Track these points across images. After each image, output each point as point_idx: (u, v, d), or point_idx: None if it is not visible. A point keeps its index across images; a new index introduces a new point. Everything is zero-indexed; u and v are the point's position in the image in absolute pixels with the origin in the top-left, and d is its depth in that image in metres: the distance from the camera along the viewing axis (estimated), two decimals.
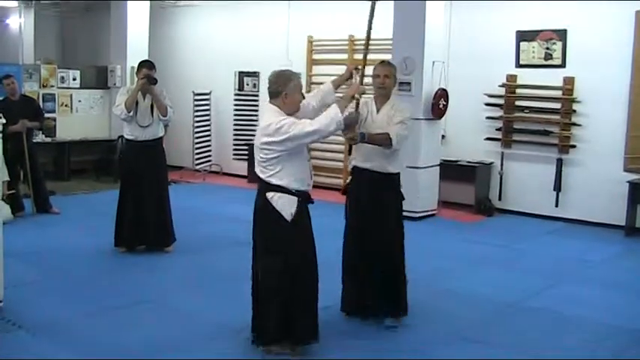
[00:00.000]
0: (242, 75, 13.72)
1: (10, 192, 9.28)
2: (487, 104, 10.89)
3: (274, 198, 5.02)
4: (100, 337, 5.41)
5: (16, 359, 4.97)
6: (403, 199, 6.02)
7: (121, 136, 12.42)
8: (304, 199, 5.11)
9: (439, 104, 10.25)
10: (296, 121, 4.94)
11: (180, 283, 6.94)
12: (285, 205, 5.02)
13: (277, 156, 4.95)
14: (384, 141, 5.67)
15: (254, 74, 13.54)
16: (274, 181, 5.01)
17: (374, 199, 5.77)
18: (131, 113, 7.74)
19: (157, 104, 7.84)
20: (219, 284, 6.84)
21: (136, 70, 8.15)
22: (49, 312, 5.91)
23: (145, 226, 7.89)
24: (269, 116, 5.04)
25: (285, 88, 5.05)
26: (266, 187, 5.04)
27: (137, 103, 7.80)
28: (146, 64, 7.95)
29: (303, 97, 5.36)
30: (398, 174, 5.93)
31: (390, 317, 5.82)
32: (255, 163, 5.14)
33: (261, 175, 5.06)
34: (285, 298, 5.03)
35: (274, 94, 5.10)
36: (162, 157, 8.14)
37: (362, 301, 5.86)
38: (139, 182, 7.89)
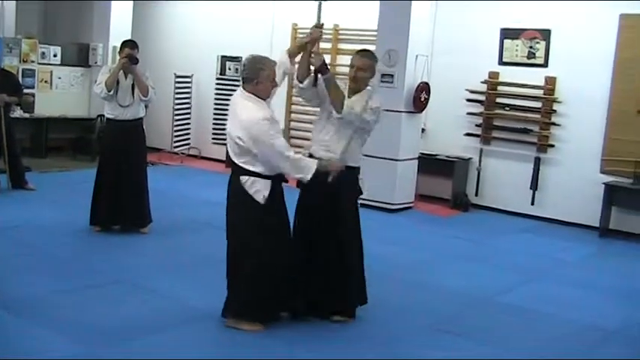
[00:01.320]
0: (224, 59, 13.65)
1: None
2: (468, 100, 10.93)
3: (247, 182, 5.11)
4: (75, 315, 5.37)
5: None
6: (361, 193, 5.89)
7: (101, 115, 12.41)
8: (278, 180, 5.22)
9: (420, 97, 10.27)
10: (277, 134, 5.10)
11: (155, 264, 6.91)
12: (259, 189, 5.11)
13: (252, 151, 5.07)
14: (337, 97, 5.46)
15: (236, 59, 13.46)
16: (248, 167, 5.10)
17: (329, 194, 5.43)
18: (111, 92, 7.70)
19: (138, 84, 7.80)
20: (194, 267, 6.82)
21: (118, 49, 8.10)
22: (22, 289, 5.87)
23: (121, 206, 7.84)
24: (250, 110, 5.13)
25: (257, 77, 5.20)
26: (240, 170, 5.12)
27: (118, 82, 7.75)
28: (129, 44, 7.92)
29: (277, 85, 5.45)
30: (358, 169, 5.80)
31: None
32: (229, 147, 5.24)
33: (235, 160, 5.16)
34: (263, 275, 5.19)
35: (248, 80, 5.26)
36: (141, 137, 8.10)
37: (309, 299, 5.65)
38: (118, 161, 7.84)
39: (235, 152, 5.16)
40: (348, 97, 5.61)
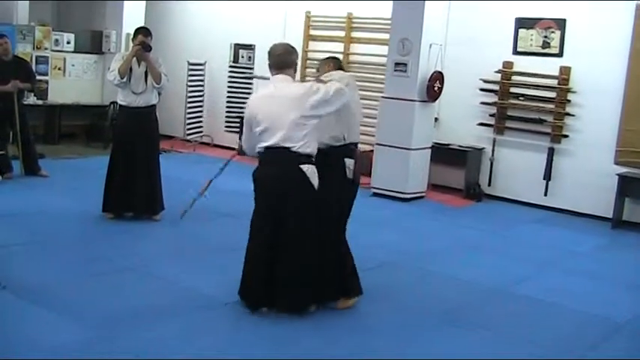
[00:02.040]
0: (237, 47, 13.63)
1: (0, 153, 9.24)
2: (482, 89, 10.87)
3: (309, 170, 5.22)
4: (87, 301, 5.40)
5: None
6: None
7: (113, 103, 12.47)
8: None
9: (434, 87, 10.22)
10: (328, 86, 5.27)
11: (167, 252, 6.92)
12: (315, 175, 5.24)
13: (317, 122, 5.23)
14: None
15: (249, 47, 13.46)
16: (305, 150, 5.19)
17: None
18: (124, 79, 7.71)
19: (151, 72, 7.80)
20: (206, 254, 6.83)
21: (132, 36, 8.10)
22: (34, 274, 5.89)
23: (132, 193, 7.85)
24: (296, 86, 5.30)
25: (297, 61, 5.41)
26: (297, 158, 5.17)
27: (131, 69, 7.76)
28: (142, 31, 7.93)
29: None
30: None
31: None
32: (278, 136, 5.17)
33: (292, 145, 5.15)
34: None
35: (289, 64, 5.36)
36: (154, 124, 8.09)
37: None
38: (130, 148, 7.84)
39: (292, 136, 5.14)
40: None
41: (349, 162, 5.60)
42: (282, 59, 5.32)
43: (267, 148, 5.22)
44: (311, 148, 5.22)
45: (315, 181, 5.22)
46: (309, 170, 5.20)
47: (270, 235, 5.24)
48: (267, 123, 5.19)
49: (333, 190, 5.47)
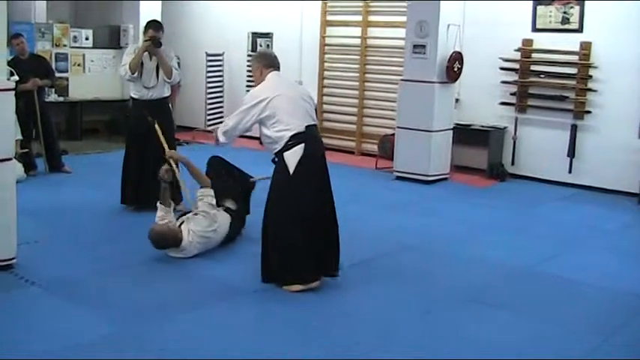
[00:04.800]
0: (255, 36, 13.60)
1: (23, 151, 9.30)
2: (502, 68, 10.79)
3: None
4: (114, 294, 5.46)
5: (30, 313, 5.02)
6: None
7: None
8: None
9: (454, 67, 10.16)
10: None
11: None
12: None
13: None
14: None
15: (267, 35, 13.43)
16: None
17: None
18: (135, 74, 7.76)
19: (163, 66, 7.83)
20: (231, 244, 6.83)
21: (143, 30, 8.10)
22: (61, 269, 5.95)
23: (148, 186, 7.75)
24: None
25: None
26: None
27: (143, 64, 7.80)
28: (152, 25, 7.91)
29: None
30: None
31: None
32: (309, 115, 5.71)
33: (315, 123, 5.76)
34: None
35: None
36: (167, 116, 8.08)
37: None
38: (143, 141, 7.85)
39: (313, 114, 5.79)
40: None
41: None
42: (278, 62, 5.99)
43: (307, 126, 5.57)
44: None
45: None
46: None
47: (320, 210, 5.58)
48: (299, 102, 5.68)
49: None
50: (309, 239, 5.51)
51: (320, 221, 5.58)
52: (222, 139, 5.90)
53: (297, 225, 5.48)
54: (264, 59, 5.98)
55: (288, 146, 5.50)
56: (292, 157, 5.48)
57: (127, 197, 8.01)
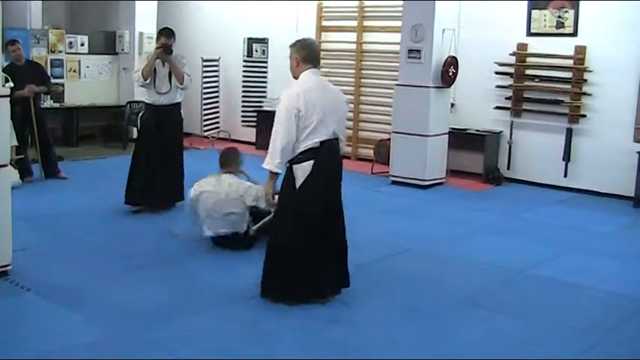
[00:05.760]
0: (251, 41, 13.63)
1: (19, 157, 9.31)
2: (497, 73, 10.81)
3: None
4: (109, 300, 5.45)
5: (25, 321, 5.02)
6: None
7: (130, 102, 12.59)
8: None
9: (449, 72, 10.18)
10: None
11: (189, 247, 6.92)
12: None
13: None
14: None
15: (263, 40, 13.46)
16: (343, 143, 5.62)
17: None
18: (148, 80, 7.99)
19: (175, 72, 8.04)
20: (226, 250, 6.83)
21: (155, 37, 8.40)
22: (57, 275, 5.95)
23: (153, 189, 8.09)
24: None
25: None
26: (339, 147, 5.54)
27: (156, 70, 8.02)
28: (164, 32, 8.15)
29: None
30: None
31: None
32: (336, 126, 5.41)
33: (341, 137, 5.53)
34: None
35: (318, 62, 5.59)
36: (178, 122, 8.40)
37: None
38: (153, 144, 8.12)
39: (342, 130, 5.58)
40: None
41: None
42: (318, 56, 5.57)
43: (322, 142, 5.29)
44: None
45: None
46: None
47: (325, 228, 5.42)
48: (321, 115, 5.27)
49: None
50: (311, 256, 5.35)
51: (325, 239, 5.39)
52: (278, 168, 5.34)
53: (298, 240, 5.36)
54: (302, 50, 5.46)
55: (298, 159, 5.30)
56: (300, 172, 5.30)
57: (133, 197, 8.15)
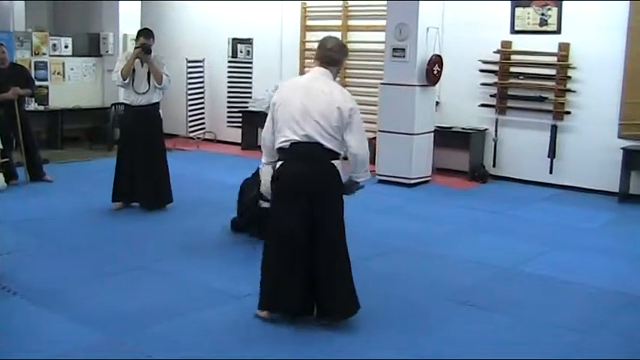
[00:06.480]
0: (235, 42, 13.60)
1: (4, 160, 9.27)
2: (481, 70, 10.85)
3: (339, 166, 5.00)
4: (97, 303, 5.42)
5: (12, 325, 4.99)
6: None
7: (115, 104, 12.54)
8: None
9: (433, 70, 10.20)
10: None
11: (175, 249, 6.91)
12: (341, 171, 5.05)
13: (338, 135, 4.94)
14: None
15: (247, 41, 13.44)
16: (336, 149, 4.95)
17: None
18: (127, 80, 8.05)
19: (153, 72, 8.10)
20: (213, 250, 6.84)
21: (135, 37, 8.45)
22: (44, 278, 5.92)
23: (137, 188, 8.22)
24: (338, 88, 5.07)
25: (343, 60, 5.23)
26: (330, 154, 4.92)
27: (134, 70, 8.07)
28: (143, 33, 8.24)
29: None
30: None
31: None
32: (316, 131, 4.86)
33: (327, 144, 4.87)
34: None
35: (334, 62, 5.11)
36: (157, 122, 8.45)
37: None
38: (134, 145, 8.21)
39: (324, 134, 4.87)
40: None
41: None
42: (330, 55, 5.07)
43: (292, 143, 4.88)
44: (339, 148, 4.97)
45: (343, 177, 5.06)
46: (339, 165, 5.00)
47: (305, 237, 4.92)
48: (293, 113, 4.89)
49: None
50: (288, 267, 4.97)
51: (302, 252, 4.93)
52: (265, 162, 5.23)
53: (273, 247, 5.05)
54: (318, 49, 5.16)
55: (278, 160, 5.06)
56: (274, 174, 5.10)
57: (121, 193, 8.26)
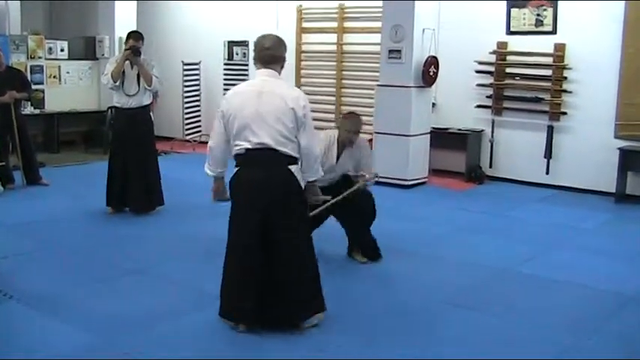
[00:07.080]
0: (231, 44, 13.61)
1: (0, 164, 9.25)
2: (477, 71, 10.85)
3: (297, 171, 4.90)
4: (92, 307, 5.40)
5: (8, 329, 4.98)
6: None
7: (111, 108, 12.45)
8: None
9: (429, 72, 10.20)
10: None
11: (170, 253, 6.90)
12: (299, 176, 4.95)
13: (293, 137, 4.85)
14: None
15: (243, 43, 13.44)
16: (293, 153, 4.86)
17: None
18: (117, 83, 8.06)
19: (143, 74, 8.09)
20: (208, 254, 6.80)
21: (124, 40, 8.37)
22: (41, 282, 5.90)
23: (128, 191, 8.22)
24: (289, 88, 5.01)
25: (285, 55, 5.07)
26: (287, 159, 4.84)
27: (124, 72, 8.08)
28: (133, 35, 8.25)
29: None
30: None
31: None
32: (271, 137, 4.77)
33: (280, 148, 4.78)
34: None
35: (276, 59, 4.98)
36: (147, 124, 8.46)
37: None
38: (125, 147, 8.22)
39: (279, 139, 4.78)
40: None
41: None
42: (270, 53, 4.94)
43: (247, 149, 4.81)
44: (295, 151, 4.88)
45: (302, 181, 4.97)
46: (297, 170, 4.90)
47: (260, 246, 4.85)
48: (245, 120, 4.78)
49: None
50: (242, 275, 4.93)
51: (256, 260, 4.86)
52: (209, 171, 5.17)
53: (229, 253, 5.05)
54: (256, 51, 5.01)
55: (236, 166, 4.97)
56: (231, 179, 5.02)
57: (113, 198, 8.27)
